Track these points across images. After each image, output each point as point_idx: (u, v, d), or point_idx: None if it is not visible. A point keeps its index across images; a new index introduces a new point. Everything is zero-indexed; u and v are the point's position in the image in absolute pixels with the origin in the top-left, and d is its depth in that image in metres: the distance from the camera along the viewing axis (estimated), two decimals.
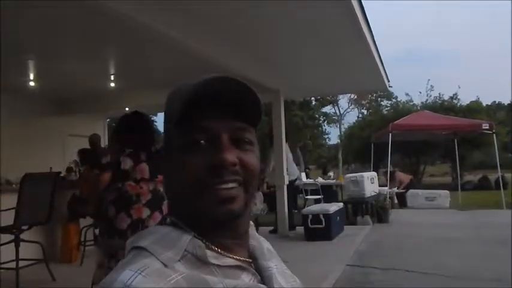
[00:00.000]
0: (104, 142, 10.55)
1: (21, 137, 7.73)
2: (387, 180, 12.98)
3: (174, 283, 0.67)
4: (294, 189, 10.18)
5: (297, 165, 10.13)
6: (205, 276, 0.70)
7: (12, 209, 5.32)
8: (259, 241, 0.88)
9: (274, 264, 0.84)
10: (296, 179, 9.99)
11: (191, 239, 0.74)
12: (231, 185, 0.75)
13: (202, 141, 0.75)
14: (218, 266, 0.74)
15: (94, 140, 7.87)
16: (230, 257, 0.76)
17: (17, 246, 5.32)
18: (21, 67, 6.76)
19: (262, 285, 0.77)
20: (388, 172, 13.17)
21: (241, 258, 0.78)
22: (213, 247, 0.75)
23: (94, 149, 7.79)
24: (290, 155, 9.46)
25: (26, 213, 5.34)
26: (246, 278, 0.76)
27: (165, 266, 0.69)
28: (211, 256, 0.74)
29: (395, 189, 13.63)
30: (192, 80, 0.78)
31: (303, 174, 15.17)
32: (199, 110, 0.75)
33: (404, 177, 14.73)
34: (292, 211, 9.42)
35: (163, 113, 0.84)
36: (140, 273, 0.66)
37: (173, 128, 0.77)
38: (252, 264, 0.81)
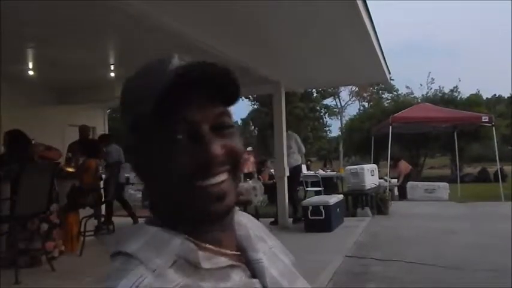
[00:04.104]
0: (105, 132, 10.54)
1: (21, 127, 7.69)
2: (389, 169, 13.04)
3: None
4: (298, 175, 9.82)
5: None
6: (198, 283, 0.68)
7: (10, 198, 5.33)
8: (246, 227, 0.83)
9: (263, 250, 0.81)
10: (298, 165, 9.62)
11: (182, 242, 0.70)
12: (220, 177, 0.71)
13: (180, 137, 0.69)
14: (210, 269, 0.70)
15: (85, 130, 7.96)
16: (222, 254, 0.73)
17: (15, 236, 5.34)
18: (20, 56, 6.73)
19: (254, 280, 0.75)
20: (388, 163, 13.21)
21: (231, 253, 0.75)
22: (204, 245, 0.72)
23: (85, 139, 7.86)
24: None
25: (24, 203, 5.33)
26: (237, 276, 0.73)
27: (157, 275, 0.66)
28: (203, 258, 0.70)
29: (395, 181, 13.68)
30: (154, 69, 0.72)
31: (304, 166, 15.24)
32: (174, 101, 0.68)
33: (405, 167, 14.75)
34: (297, 200, 9.31)
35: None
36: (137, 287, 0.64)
37: (143, 121, 0.70)
38: (242, 257, 0.78)
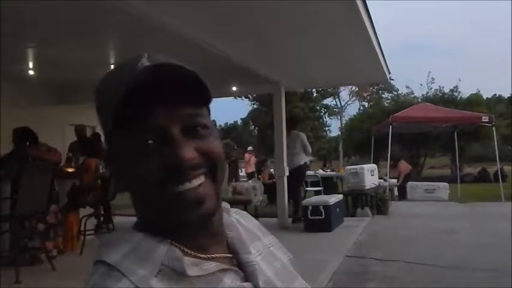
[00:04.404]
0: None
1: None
2: (388, 169, 13.05)
3: None
4: (301, 175, 9.61)
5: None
6: None
7: (11, 198, 5.33)
8: (238, 229, 0.80)
9: (257, 250, 0.79)
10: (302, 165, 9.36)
11: (168, 249, 0.68)
12: (196, 181, 0.68)
13: (150, 141, 0.67)
14: (199, 275, 0.68)
15: (80, 130, 7.93)
16: (210, 258, 0.71)
17: (16, 236, 5.34)
18: (20, 56, 6.73)
19: (246, 284, 0.73)
20: (388, 163, 13.21)
21: (221, 256, 0.74)
22: (191, 252, 0.70)
23: (83, 138, 7.85)
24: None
25: (24, 203, 5.34)
26: (229, 279, 0.71)
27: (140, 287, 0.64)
28: (190, 265, 0.68)
29: (394, 181, 13.67)
30: (121, 71, 0.70)
31: None
32: (140, 104, 0.66)
33: (405, 167, 14.76)
34: (299, 200, 9.21)
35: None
36: None
37: (113, 129, 0.68)
38: (234, 260, 0.76)
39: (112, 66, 7.52)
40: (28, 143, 6.15)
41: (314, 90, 31.19)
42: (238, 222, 0.83)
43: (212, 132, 0.73)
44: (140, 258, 0.67)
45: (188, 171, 0.67)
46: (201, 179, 0.69)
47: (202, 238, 0.72)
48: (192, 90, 0.69)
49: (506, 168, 19.36)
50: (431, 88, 26.54)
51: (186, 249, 0.70)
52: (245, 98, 32.44)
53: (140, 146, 0.67)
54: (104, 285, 0.64)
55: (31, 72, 7.41)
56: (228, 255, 0.76)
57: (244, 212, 0.88)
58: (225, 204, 0.81)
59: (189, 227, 0.70)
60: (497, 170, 15.17)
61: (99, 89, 0.73)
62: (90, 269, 0.69)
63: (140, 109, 0.67)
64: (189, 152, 0.67)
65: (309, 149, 9.38)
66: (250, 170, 15.86)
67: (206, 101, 0.73)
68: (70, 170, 7.06)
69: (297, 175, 9.14)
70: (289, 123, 9.33)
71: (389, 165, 13.30)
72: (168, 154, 0.67)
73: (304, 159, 9.27)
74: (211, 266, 0.70)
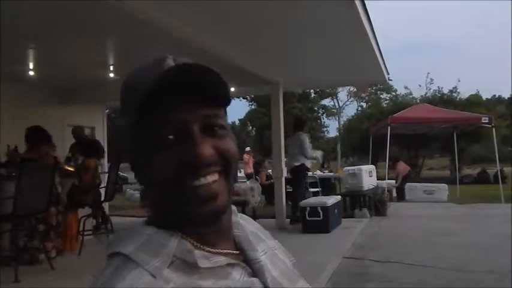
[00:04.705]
0: (103, 133, 10.53)
1: (21, 127, 7.73)
2: (387, 170, 13.03)
3: None
4: (300, 176, 9.40)
5: None
6: (197, 282, 0.68)
7: (11, 198, 5.33)
8: (244, 228, 0.83)
9: (262, 250, 0.81)
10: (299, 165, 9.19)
11: (179, 242, 0.71)
12: (210, 178, 0.71)
13: (171, 137, 0.70)
14: (210, 268, 0.70)
15: (77, 131, 7.94)
16: (220, 253, 0.74)
17: (15, 235, 5.34)
18: (20, 56, 6.73)
19: (254, 279, 0.75)
20: (387, 164, 13.21)
21: (229, 252, 0.76)
22: (201, 246, 0.72)
23: (79, 140, 7.85)
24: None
25: (24, 202, 5.34)
26: (237, 274, 0.73)
27: (154, 277, 0.66)
28: (201, 257, 0.70)
29: (393, 182, 13.68)
30: (147, 70, 0.73)
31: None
32: (162, 102, 0.69)
33: (403, 168, 14.75)
34: (297, 200, 9.04)
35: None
36: None
37: (135, 123, 0.71)
38: (241, 257, 0.78)
39: (112, 67, 7.61)
40: (28, 144, 6.19)
41: (312, 90, 31.17)
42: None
43: (228, 133, 0.76)
44: (153, 250, 0.69)
45: (204, 168, 0.70)
46: (215, 176, 0.72)
47: (211, 234, 0.74)
48: (212, 91, 0.73)
49: (506, 169, 19.40)
50: (430, 89, 26.60)
51: (195, 243, 0.72)
52: (243, 98, 32.43)
53: (160, 141, 0.70)
54: (119, 274, 0.66)
55: (31, 73, 7.42)
56: (235, 251, 0.78)
57: (246, 216, 0.91)
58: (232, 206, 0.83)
59: (201, 222, 0.72)
60: (497, 171, 15.19)
61: (124, 86, 0.76)
62: (105, 262, 0.71)
63: (163, 107, 0.70)
64: (207, 149, 0.70)
65: (308, 151, 9.15)
66: (249, 171, 15.84)
67: (225, 103, 0.77)
68: (70, 168, 7.06)
69: (296, 176, 9.15)
70: (295, 125, 9.36)
71: (388, 166, 13.28)
72: (186, 150, 0.70)
73: (301, 160, 9.17)
74: (221, 259, 0.73)
